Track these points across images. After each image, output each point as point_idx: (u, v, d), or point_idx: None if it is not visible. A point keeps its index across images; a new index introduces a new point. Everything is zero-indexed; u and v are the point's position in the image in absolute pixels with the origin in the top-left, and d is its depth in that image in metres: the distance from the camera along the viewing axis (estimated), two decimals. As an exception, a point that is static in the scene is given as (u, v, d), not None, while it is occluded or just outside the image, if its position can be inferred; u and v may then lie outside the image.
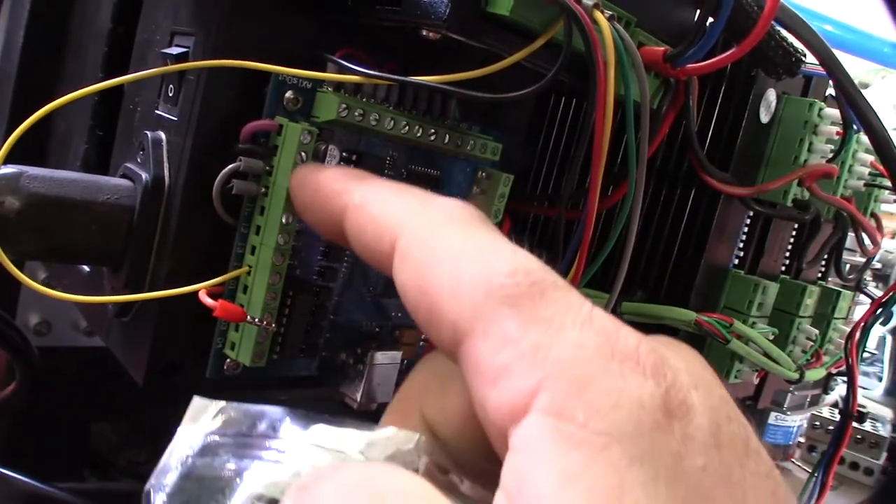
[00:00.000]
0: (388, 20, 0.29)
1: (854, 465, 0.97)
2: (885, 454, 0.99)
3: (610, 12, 0.28)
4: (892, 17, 0.32)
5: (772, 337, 0.38)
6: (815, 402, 0.55)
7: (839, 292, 0.46)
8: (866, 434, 0.98)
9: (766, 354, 0.37)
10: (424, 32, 0.28)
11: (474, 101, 0.29)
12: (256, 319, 0.31)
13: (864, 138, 0.41)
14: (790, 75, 0.32)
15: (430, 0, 0.27)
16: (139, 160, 0.33)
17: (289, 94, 0.32)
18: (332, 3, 0.31)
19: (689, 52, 0.30)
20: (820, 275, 0.47)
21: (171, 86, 0.33)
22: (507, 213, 0.39)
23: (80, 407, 0.51)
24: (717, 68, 0.32)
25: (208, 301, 0.30)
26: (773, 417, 0.69)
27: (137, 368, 0.33)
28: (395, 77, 0.29)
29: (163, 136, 0.33)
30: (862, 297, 0.53)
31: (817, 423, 0.94)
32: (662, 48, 0.30)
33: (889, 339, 1.10)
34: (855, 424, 0.98)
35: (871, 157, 0.41)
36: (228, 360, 0.33)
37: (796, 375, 0.39)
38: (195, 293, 0.31)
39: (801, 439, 0.95)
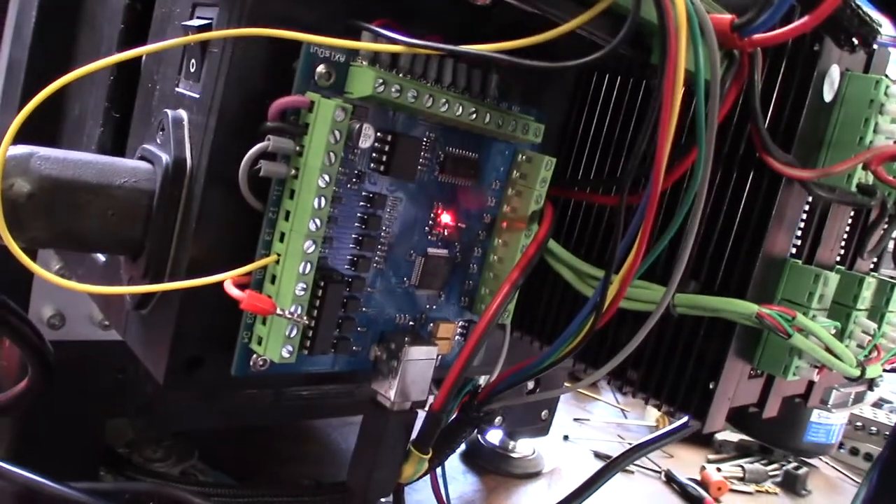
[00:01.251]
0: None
1: (868, 457, 0.94)
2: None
3: (678, -25, 0.25)
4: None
5: (834, 331, 0.35)
6: (859, 399, 0.52)
7: (894, 284, 0.43)
8: (880, 426, 0.95)
9: (829, 350, 0.34)
10: (473, -4, 0.25)
11: (528, 70, 0.26)
12: (286, 312, 0.28)
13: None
14: (866, 46, 0.30)
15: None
16: (159, 141, 0.31)
17: (321, 67, 0.29)
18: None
19: (759, 20, 0.27)
20: (872, 265, 0.45)
21: (192, 61, 0.31)
22: (548, 200, 0.36)
23: (96, 402, 0.49)
24: (786, 39, 0.29)
25: (235, 292, 0.28)
26: (815, 415, 0.66)
27: (157, 364, 0.31)
28: (442, 46, 0.27)
29: (184, 114, 0.31)
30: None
31: (859, 423, 0.91)
32: (729, 17, 0.28)
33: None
34: (883, 421, 0.95)
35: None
36: (255, 356, 0.31)
37: (857, 372, 0.36)
38: (220, 283, 0.29)
39: (842, 440, 0.93)
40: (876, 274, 0.44)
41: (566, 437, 0.87)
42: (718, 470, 0.84)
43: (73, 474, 0.50)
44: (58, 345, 0.42)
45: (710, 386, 0.36)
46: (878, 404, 1.02)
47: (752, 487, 0.85)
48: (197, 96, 0.30)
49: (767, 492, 0.85)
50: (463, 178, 0.35)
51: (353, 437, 0.35)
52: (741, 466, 0.86)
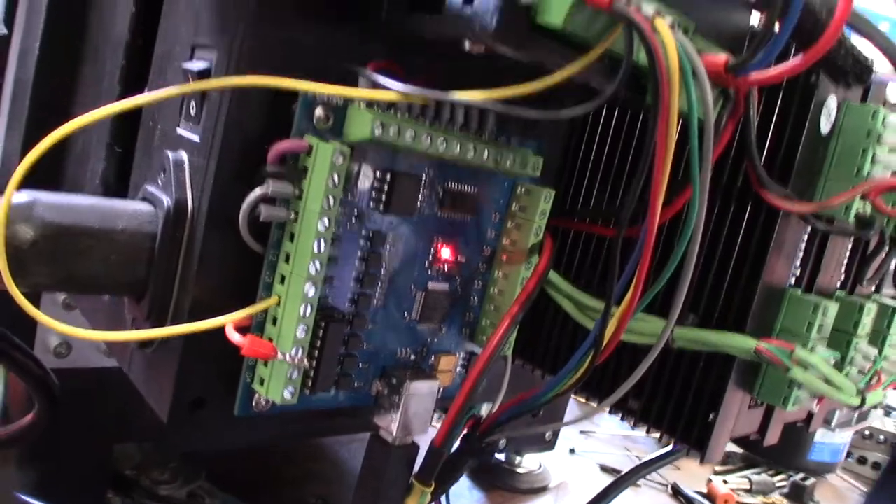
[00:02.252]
0: (429, 31, 0.27)
1: (876, 466, 0.94)
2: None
3: (671, 18, 0.25)
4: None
5: (833, 362, 0.35)
6: (863, 417, 0.52)
7: (895, 308, 0.43)
8: (889, 435, 0.95)
9: (828, 380, 0.34)
10: (468, 46, 0.26)
11: (523, 118, 0.27)
12: (287, 356, 0.29)
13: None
14: (860, 84, 0.30)
15: (476, 10, 0.25)
16: (160, 183, 0.31)
17: (319, 110, 0.29)
18: (365, 13, 0.29)
19: (753, 61, 0.27)
20: (874, 288, 0.45)
21: (192, 103, 0.31)
22: (548, 231, 0.37)
23: (103, 428, 0.50)
24: (781, 79, 0.29)
25: (236, 338, 0.28)
26: (820, 434, 0.66)
27: (161, 404, 0.32)
28: (437, 93, 0.27)
29: (185, 156, 0.31)
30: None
31: (867, 432, 0.91)
32: (723, 57, 0.28)
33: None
34: (892, 430, 0.95)
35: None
36: (258, 396, 0.31)
37: (858, 401, 0.36)
38: (222, 327, 0.29)
39: (850, 449, 0.92)
40: (878, 296, 0.44)
41: (572, 451, 0.87)
42: (725, 482, 0.84)
43: (81, 498, 0.51)
44: (65, 373, 0.43)
45: (710, 417, 0.36)
46: (886, 412, 1.02)
47: (759, 499, 0.85)
48: (197, 139, 0.31)
49: (774, 503, 0.85)
50: (462, 212, 0.35)
51: (361, 454, 0.36)
52: (748, 478, 0.86)
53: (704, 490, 0.82)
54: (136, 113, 0.37)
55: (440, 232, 0.35)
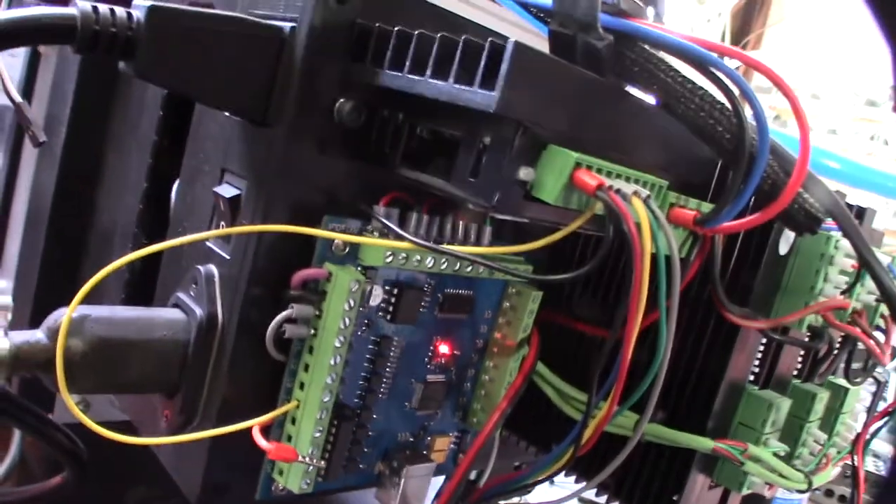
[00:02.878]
0: (434, 189, 0.31)
1: (842, 498, 0.99)
2: (882, 491, 1.00)
3: (647, 192, 0.30)
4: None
5: (783, 454, 0.40)
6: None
7: (847, 389, 0.48)
8: (868, 474, 0.99)
9: (777, 471, 0.39)
10: (472, 207, 0.30)
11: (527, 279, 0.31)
12: (306, 458, 0.33)
13: (880, 257, 0.43)
14: (811, 233, 0.34)
15: (480, 184, 0.29)
16: (192, 293, 0.35)
17: (337, 241, 0.33)
18: (378, 161, 0.33)
19: (718, 217, 0.31)
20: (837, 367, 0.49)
21: (222, 223, 0.35)
22: (535, 327, 0.41)
23: (118, 474, 0.53)
24: (742, 230, 0.33)
25: (263, 444, 0.32)
26: (780, 490, 0.71)
27: (189, 488, 0.36)
28: (435, 247, 0.31)
29: (215, 271, 0.35)
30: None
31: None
32: (692, 212, 0.32)
33: (893, 375, 1.12)
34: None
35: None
36: (276, 483, 0.35)
37: (805, 486, 0.41)
38: (248, 428, 0.33)
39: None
40: (833, 377, 0.49)
41: (552, 482, 0.92)
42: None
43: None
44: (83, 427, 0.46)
45: (675, 498, 0.40)
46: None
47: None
48: (227, 257, 0.35)
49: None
50: (459, 312, 0.39)
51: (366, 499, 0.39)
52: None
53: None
54: (163, 218, 0.40)
55: (439, 332, 0.39)
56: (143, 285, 0.42)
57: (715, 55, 0.30)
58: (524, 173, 0.28)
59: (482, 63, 0.27)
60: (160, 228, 0.42)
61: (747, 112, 0.31)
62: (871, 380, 0.54)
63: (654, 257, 0.30)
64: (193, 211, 0.38)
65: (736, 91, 0.31)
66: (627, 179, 0.30)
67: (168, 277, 0.40)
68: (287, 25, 0.33)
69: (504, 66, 0.27)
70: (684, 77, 0.31)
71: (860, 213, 0.45)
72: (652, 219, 0.29)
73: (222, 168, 0.36)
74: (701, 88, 0.31)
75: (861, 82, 3.14)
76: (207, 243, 0.36)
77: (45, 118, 0.50)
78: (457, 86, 0.28)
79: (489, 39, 0.28)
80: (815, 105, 3.24)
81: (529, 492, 0.62)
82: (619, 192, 0.28)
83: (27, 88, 0.50)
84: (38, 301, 0.48)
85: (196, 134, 0.39)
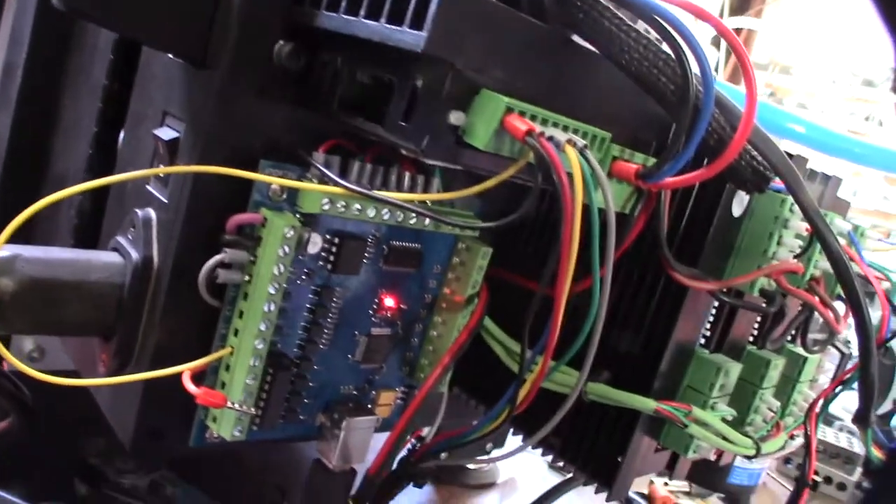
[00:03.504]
0: (370, 134, 0.30)
1: (828, 480, 0.99)
2: (859, 469, 1.01)
3: (583, 142, 0.29)
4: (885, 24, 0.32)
5: (730, 418, 0.40)
6: (782, 447, 0.57)
7: (805, 358, 0.47)
8: (841, 450, 1.00)
9: (723, 436, 0.38)
10: (404, 152, 0.29)
11: (448, 223, 0.30)
12: (236, 405, 0.32)
13: (839, 223, 0.42)
14: (759, 191, 0.33)
15: (411, 128, 0.28)
16: (130, 237, 0.35)
17: (274, 185, 0.33)
18: (317, 105, 0.32)
19: (660, 171, 0.31)
20: (790, 337, 0.49)
21: (161, 166, 0.35)
22: (485, 283, 0.40)
23: (73, 425, 0.53)
24: (686, 185, 0.33)
25: (191, 388, 0.32)
26: (738, 459, 0.71)
27: (124, 432, 0.35)
28: (372, 193, 0.31)
29: (153, 215, 0.35)
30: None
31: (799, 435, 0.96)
32: (635, 166, 0.31)
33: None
34: (831, 441, 1.00)
35: (843, 241, 0.42)
36: (210, 430, 0.35)
37: (752, 452, 0.41)
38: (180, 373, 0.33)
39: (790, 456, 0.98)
40: (792, 346, 0.49)
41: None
42: (666, 484, 0.89)
43: (50, 488, 0.55)
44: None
45: (619, 459, 0.40)
46: (828, 421, 1.07)
47: (697, 502, 0.90)
48: (165, 200, 0.34)
49: (711, 507, 0.90)
50: (406, 266, 0.39)
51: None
52: (688, 482, 0.91)
53: (646, 491, 0.87)
54: (109, 161, 0.40)
55: (384, 284, 0.38)
56: (91, 230, 0.41)
57: (659, 3, 0.29)
58: (455, 117, 0.27)
59: (412, 4, 0.27)
60: (109, 173, 0.41)
61: (694, 65, 0.30)
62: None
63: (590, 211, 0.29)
64: (137, 155, 0.38)
65: (683, 43, 0.30)
66: (565, 129, 0.30)
67: (111, 222, 0.39)
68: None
69: (432, 5, 0.26)
70: (629, 26, 0.30)
71: (825, 179, 0.44)
72: (586, 169, 0.28)
73: (164, 111, 0.35)
74: (645, 38, 0.30)
75: (859, 62, 3.11)
76: (147, 187, 0.36)
77: (3, 65, 0.49)
78: (388, 26, 0.28)
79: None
80: (811, 83, 3.21)
81: (485, 451, 0.63)
82: (552, 140, 0.27)
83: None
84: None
85: (142, 77, 0.38)
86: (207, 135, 0.32)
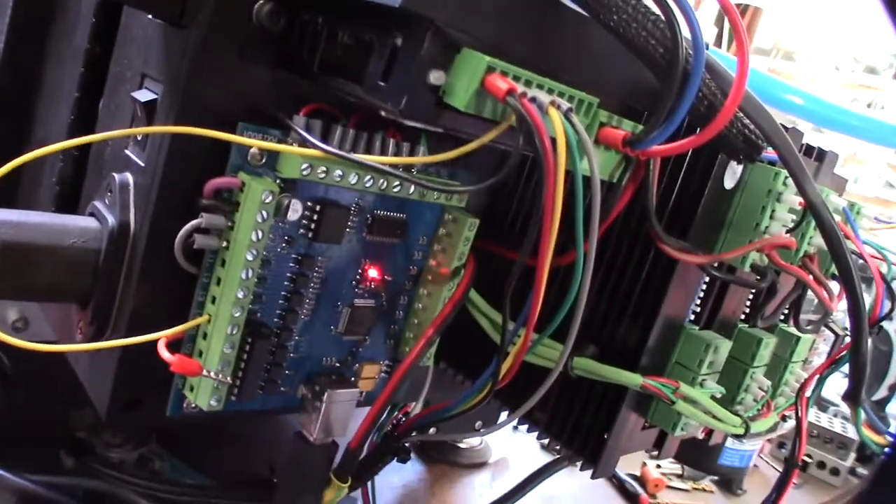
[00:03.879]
0: (349, 95, 0.29)
1: (821, 465, 0.99)
2: (853, 455, 1.00)
3: (567, 105, 0.28)
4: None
5: (719, 396, 0.39)
6: (773, 429, 0.56)
7: (798, 337, 0.46)
8: (835, 435, 1.00)
9: (711, 413, 0.38)
10: (384, 114, 0.28)
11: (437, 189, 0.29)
12: (212, 373, 0.32)
13: (834, 199, 0.41)
14: (750, 161, 0.32)
15: (389, 88, 0.27)
16: (107, 202, 0.34)
17: (253, 149, 0.32)
18: (297, 67, 0.31)
19: (649, 137, 0.30)
20: (783, 317, 0.48)
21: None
22: (472, 253, 0.40)
23: (59, 396, 0.53)
24: (676, 153, 0.32)
25: (166, 356, 0.31)
26: (730, 441, 0.71)
27: (100, 401, 0.35)
28: (351, 156, 0.30)
29: (130, 179, 0.34)
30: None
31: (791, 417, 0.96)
32: (623, 132, 0.31)
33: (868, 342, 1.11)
34: (825, 425, 1.00)
35: (838, 218, 0.41)
36: (187, 400, 0.34)
37: (741, 431, 0.40)
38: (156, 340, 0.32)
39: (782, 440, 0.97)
40: (785, 325, 0.48)
41: (515, 428, 0.92)
42: (658, 467, 0.89)
43: (36, 461, 0.55)
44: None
45: (605, 436, 0.39)
46: (822, 407, 1.07)
47: (689, 485, 0.90)
48: (142, 164, 0.33)
49: (704, 489, 0.90)
50: (391, 236, 0.38)
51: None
52: (680, 464, 0.91)
53: (638, 473, 0.87)
54: (90, 126, 0.39)
55: (368, 254, 0.38)
56: (72, 197, 0.41)
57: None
58: (434, 77, 0.26)
59: (391, -43, 0.26)
60: (88, 146, 0.40)
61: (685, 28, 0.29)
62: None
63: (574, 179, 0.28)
64: (116, 118, 0.37)
65: (673, 5, 0.29)
66: (550, 91, 0.29)
67: (91, 188, 0.38)
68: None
69: (411, -40, 0.25)
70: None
71: (820, 155, 0.43)
72: (571, 133, 0.27)
73: (143, 73, 0.35)
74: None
75: (862, 49, 3.08)
76: (126, 151, 0.35)
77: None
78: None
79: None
80: (815, 69, 3.19)
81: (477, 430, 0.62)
82: (535, 101, 0.26)
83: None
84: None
85: (122, 40, 0.37)
86: (185, 96, 0.32)
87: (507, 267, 0.41)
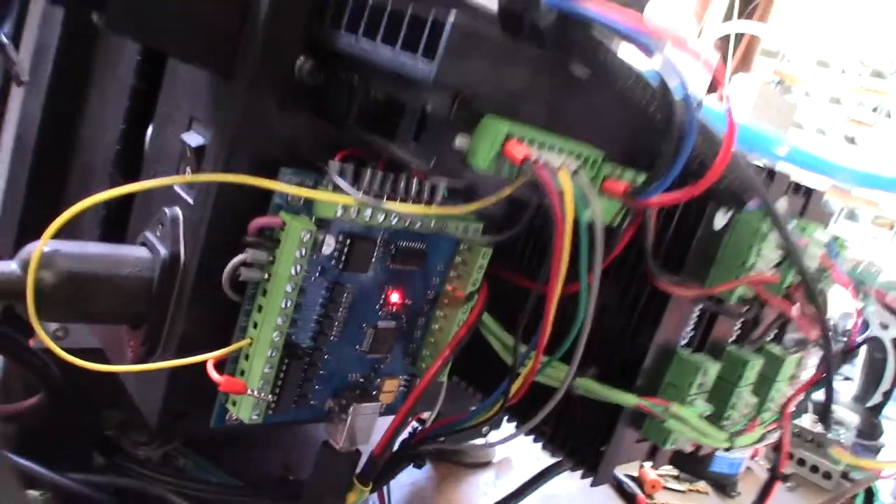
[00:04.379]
0: (382, 149, 0.33)
1: (814, 469, 1.02)
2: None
3: (575, 165, 0.32)
4: None
5: (707, 414, 0.43)
6: (760, 441, 0.60)
7: (783, 359, 0.50)
8: (828, 440, 1.03)
9: (699, 430, 0.42)
10: (414, 167, 0.32)
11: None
12: (255, 392, 0.36)
13: (818, 235, 0.45)
14: (737, 210, 0.36)
15: (420, 148, 0.31)
16: (158, 234, 0.38)
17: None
18: (333, 118, 0.35)
19: (646, 191, 0.34)
20: (771, 337, 0.52)
21: (188, 169, 0.38)
22: (485, 280, 0.43)
23: (94, 399, 0.56)
24: (672, 204, 0.36)
25: (215, 376, 0.35)
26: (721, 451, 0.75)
27: (150, 414, 0.39)
28: (380, 203, 0.34)
29: (180, 214, 0.37)
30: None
31: (796, 430, 0.99)
32: (624, 184, 0.34)
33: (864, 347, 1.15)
34: (818, 430, 1.04)
35: (820, 251, 0.45)
36: (230, 413, 0.38)
37: (727, 445, 0.44)
38: (204, 361, 0.36)
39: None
40: (773, 345, 0.52)
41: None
42: (654, 468, 0.93)
43: (70, 459, 0.58)
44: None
45: (602, 448, 0.43)
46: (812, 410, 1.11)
47: (685, 486, 0.94)
48: (191, 202, 0.37)
49: (699, 491, 0.94)
50: (411, 265, 0.42)
51: (320, 426, 0.43)
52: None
53: (636, 474, 0.91)
54: (137, 159, 0.43)
55: (390, 281, 0.41)
56: (117, 222, 0.44)
57: (652, 40, 0.31)
58: (460, 141, 0.30)
59: (424, 36, 0.29)
60: (135, 168, 0.44)
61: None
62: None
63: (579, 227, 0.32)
64: (163, 155, 0.40)
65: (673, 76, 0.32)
66: (560, 151, 0.32)
67: (139, 217, 0.42)
68: (253, -14, 0.35)
69: (442, 43, 0.29)
70: (619, 59, 0.32)
71: (808, 192, 0.47)
72: (577, 192, 0.31)
73: (191, 116, 0.38)
74: (634, 70, 0.32)
75: (869, 53, 3.11)
76: (174, 187, 0.38)
77: (32, 57, 0.52)
78: (403, 53, 0.30)
79: (433, 12, 0.29)
80: (821, 73, 3.21)
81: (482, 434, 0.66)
82: (547, 165, 0.30)
83: (17, 30, 0.52)
84: (21, 232, 0.51)
85: (170, 81, 0.41)
86: (232, 143, 0.35)
87: (518, 292, 0.45)
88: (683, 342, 0.44)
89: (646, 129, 0.35)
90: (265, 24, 0.35)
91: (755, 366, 0.47)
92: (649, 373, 0.42)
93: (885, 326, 1.05)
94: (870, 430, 1.12)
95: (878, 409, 1.13)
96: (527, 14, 0.32)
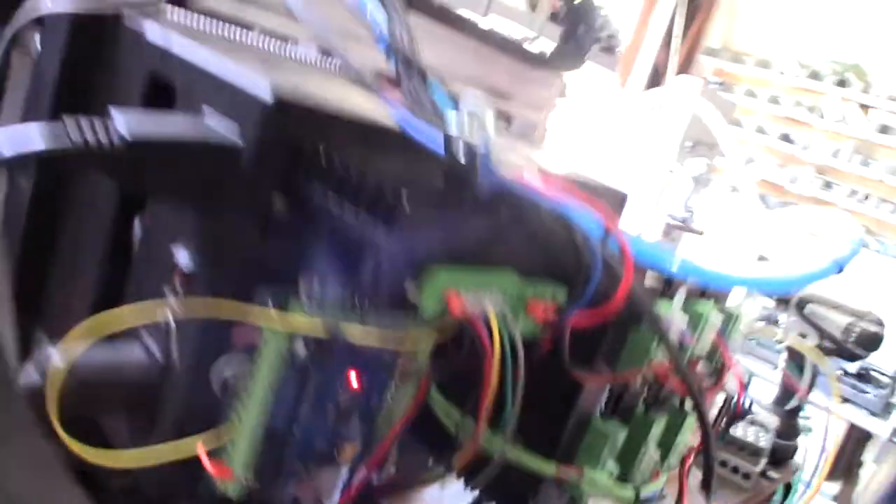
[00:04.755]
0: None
1: (735, 469, 1.13)
2: (763, 461, 1.13)
3: (503, 312, 0.40)
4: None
5: (614, 473, 0.52)
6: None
7: (684, 418, 0.59)
8: (747, 444, 1.13)
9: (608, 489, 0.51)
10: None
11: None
12: (241, 479, 0.43)
13: (713, 318, 0.54)
14: (638, 325, 0.45)
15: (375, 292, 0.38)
16: (153, 338, 0.45)
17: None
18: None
19: (563, 316, 0.42)
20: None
21: (179, 288, 0.44)
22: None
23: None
24: (583, 325, 0.44)
25: (207, 465, 0.42)
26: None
27: (149, 485, 0.46)
28: (344, 334, 0.41)
29: (172, 324, 0.44)
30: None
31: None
32: (543, 306, 0.43)
33: (784, 352, 1.26)
34: (738, 435, 1.15)
35: (713, 334, 0.54)
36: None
37: (633, 497, 0.53)
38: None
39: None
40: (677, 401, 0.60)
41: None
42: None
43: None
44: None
45: (529, 501, 0.52)
46: (751, 422, 1.21)
47: None
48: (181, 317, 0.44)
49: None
50: (369, 353, 0.49)
51: None
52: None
53: None
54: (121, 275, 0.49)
55: (353, 366, 0.49)
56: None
57: (567, 208, 0.39)
58: (411, 293, 0.38)
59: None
60: (124, 265, 0.50)
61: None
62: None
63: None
64: (153, 267, 0.47)
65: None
66: (491, 289, 0.40)
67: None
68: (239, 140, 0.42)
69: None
70: (540, 218, 0.40)
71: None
72: (504, 329, 0.39)
73: (179, 238, 0.45)
74: (550, 214, 0.40)
75: (808, 54, 3.24)
76: (168, 297, 0.45)
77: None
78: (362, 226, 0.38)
79: (390, 191, 0.37)
80: (761, 72, 3.33)
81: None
82: (481, 315, 0.38)
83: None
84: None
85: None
86: (219, 273, 0.42)
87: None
88: (598, 410, 0.53)
89: (562, 259, 0.44)
90: (249, 171, 0.42)
91: (661, 423, 0.56)
92: (566, 444, 0.51)
93: (803, 336, 1.16)
94: (788, 431, 1.24)
95: (795, 411, 1.25)
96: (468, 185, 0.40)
